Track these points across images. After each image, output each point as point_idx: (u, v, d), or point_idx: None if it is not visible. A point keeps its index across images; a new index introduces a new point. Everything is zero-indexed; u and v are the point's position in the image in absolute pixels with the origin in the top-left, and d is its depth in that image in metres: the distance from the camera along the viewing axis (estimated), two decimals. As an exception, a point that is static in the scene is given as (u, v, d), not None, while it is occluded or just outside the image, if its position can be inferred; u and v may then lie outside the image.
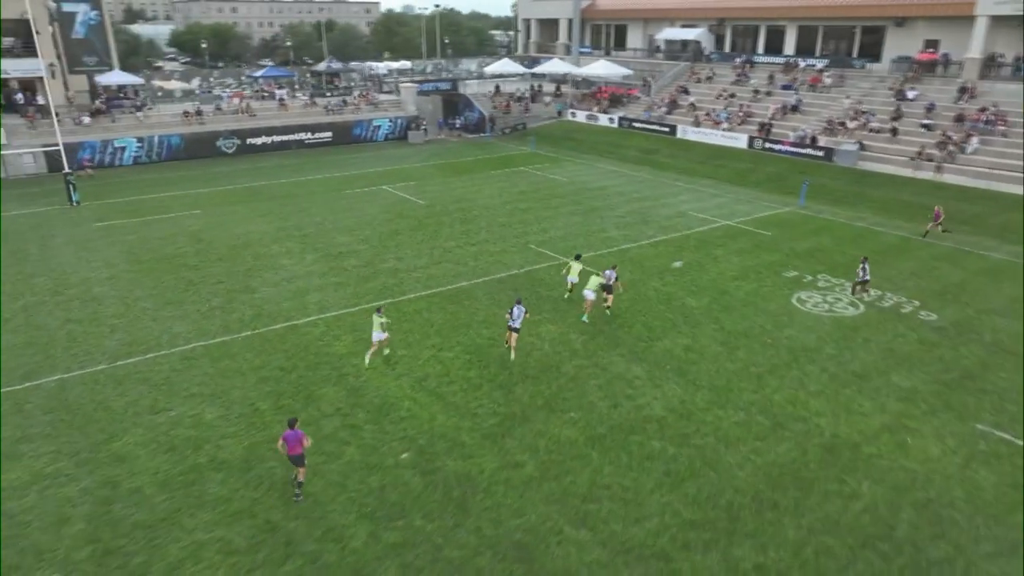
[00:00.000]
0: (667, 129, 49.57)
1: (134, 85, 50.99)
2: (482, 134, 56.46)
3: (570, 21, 69.85)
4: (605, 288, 20.42)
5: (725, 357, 18.44)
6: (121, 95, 50.50)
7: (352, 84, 61.40)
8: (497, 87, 62.95)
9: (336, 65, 62.22)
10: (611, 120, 53.83)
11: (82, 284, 23.20)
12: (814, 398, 16.41)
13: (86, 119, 43.97)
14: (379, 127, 53.65)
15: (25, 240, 28.04)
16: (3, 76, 45.18)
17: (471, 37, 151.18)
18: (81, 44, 51.20)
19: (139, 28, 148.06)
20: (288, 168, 43.32)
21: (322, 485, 13.11)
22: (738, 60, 55.90)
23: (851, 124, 42.28)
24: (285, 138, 49.61)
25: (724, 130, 46.27)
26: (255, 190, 37.41)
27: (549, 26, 75.06)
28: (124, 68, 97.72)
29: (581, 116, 56.64)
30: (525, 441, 14.57)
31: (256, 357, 18.14)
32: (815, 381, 17.21)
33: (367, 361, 17.65)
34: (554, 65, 61.86)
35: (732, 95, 50.72)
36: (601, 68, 58.27)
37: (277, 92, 54.65)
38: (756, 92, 50.00)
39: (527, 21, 77.43)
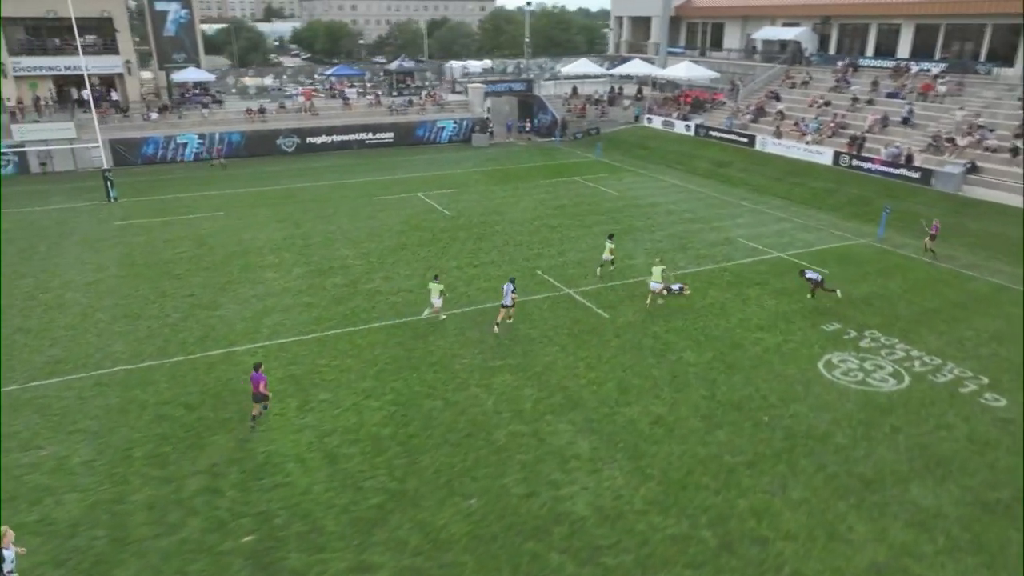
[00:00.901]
0: (745, 139, 44.62)
1: (205, 82, 52.19)
2: (551, 138, 53.64)
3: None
4: (667, 289, 21.41)
5: (698, 437, 14.90)
6: (199, 91, 51.92)
7: (425, 84, 60.30)
8: (574, 88, 59.79)
9: (408, 64, 61.27)
10: (687, 127, 49.36)
11: (60, 289, 22.81)
12: (791, 510, 12.67)
13: (154, 115, 45.26)
14: (443, 128, 52.06)
15: (42, 237, 28.43)
16: (83, 73, 47.48)
17: (580, 35, 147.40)
18: (171, 42, 53.25)
19: (263, 26, 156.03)
20: (338, 169, 42.52)
21: (135, 569, 11.16)
22: (840, 63, 49.64)
23: (962, 141, 35.92)
24: (345, 138, 49.04)
25: (808, 143, 40.84)
26: (291, 192, 36.70)
27: (642, 24, 70.84)
28: (242, 64, 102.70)
29: (657, 122, 52.44)
30: (397, 534, 11.97)
31: (169, 389, 16.60)
32: (803, 484, 13.39)
33: (424, 314, 20.13)
34: (635, 66, 57.95)
35: (827, 103, 44.92)
36: (683, 70, 53.72)
37: (347, 91, 54.34)
38: (855, 100, 43.94)
39: (619, 19, 73.61)
